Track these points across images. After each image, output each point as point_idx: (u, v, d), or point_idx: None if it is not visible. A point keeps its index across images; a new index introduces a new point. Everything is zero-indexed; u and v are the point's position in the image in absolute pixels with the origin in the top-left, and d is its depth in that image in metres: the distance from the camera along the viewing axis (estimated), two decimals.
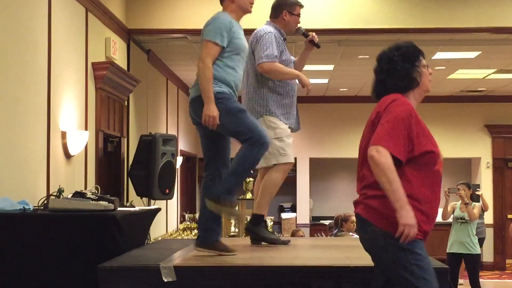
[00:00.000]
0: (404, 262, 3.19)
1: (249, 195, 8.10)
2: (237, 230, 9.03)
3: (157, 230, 9.93)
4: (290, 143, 5.13)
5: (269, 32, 5.14)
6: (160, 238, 8.90)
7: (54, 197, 4.91)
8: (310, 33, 5.41)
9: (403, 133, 3.25)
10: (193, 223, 11.87)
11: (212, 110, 4.19)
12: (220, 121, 4.23)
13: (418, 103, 3.51)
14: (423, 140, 3.30)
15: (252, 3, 4.56)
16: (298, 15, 5.34)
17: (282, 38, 5.23)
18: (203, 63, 4.26)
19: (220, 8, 4.56)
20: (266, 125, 5.00)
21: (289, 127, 5.22)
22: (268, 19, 5.33)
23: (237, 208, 4.30)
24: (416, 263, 3.19)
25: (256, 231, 5.10)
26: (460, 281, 10.53)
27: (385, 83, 3.45)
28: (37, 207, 4.92)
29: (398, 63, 3.42)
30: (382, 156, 3.17)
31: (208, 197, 4.28)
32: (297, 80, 5.27)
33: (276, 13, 5.31)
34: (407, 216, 3.12)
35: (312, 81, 14.81)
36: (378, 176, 3.18)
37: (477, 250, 9.33)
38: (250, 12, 4.58)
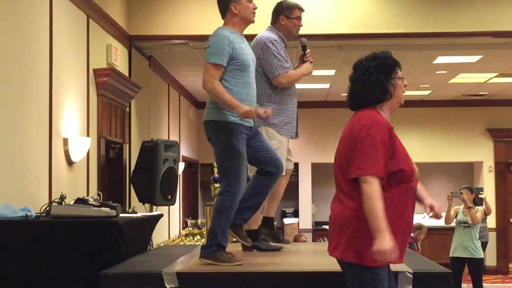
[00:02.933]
0: (363, 280, 3.23)
1: None
2: None
3: (160, 236, 9.93)
4: (284, 155, 5.10)
5: (274, 39, 5.12)
6: (162, 244, 8.89)
7: (56, 204, 4.91)
8: (308, 51, 5.34)
9: (382, 152, 3.25)
10: (195, 229, 11.87)
11: (244, 110, 4.23)
12: (215, 148, 4.38)
13: (394, 114, 3.48)
14: (397, 158, 3.29)
15: (254, 13, 4.52)
16: (297, 18, 5.25)
17: (283, 45, 5.20)
18: (211, 84, 4.27)
19: (218, 15, 4.53)
20: (264, 134, 5.00)
21: (287, 136, 5.20)
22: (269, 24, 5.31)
23: (227, 256, 4.28)
24: (373, 283, 3.22)
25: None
26: (463, 285, 10.50)
27: (358, 93, 3.43)
28: (39, 214, 4.92)
29: (373, 75, 3.38)
30: (369, 186, 3.19)
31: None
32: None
33: (274, 18, 5.27)
34: (380, 243, 3.11)
35: (313, 86, 14.80)
36: (364, 205, 3.19)
37: (480, 254, 9.32)
38: (253, 22, 4.54)
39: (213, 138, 4.40)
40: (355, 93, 3.45)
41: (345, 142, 3.38)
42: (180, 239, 11.03)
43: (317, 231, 15.39)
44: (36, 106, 5.83)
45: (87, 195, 6.61)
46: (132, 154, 8.63)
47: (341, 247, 3.28)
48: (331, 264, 3.92)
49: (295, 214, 16.14)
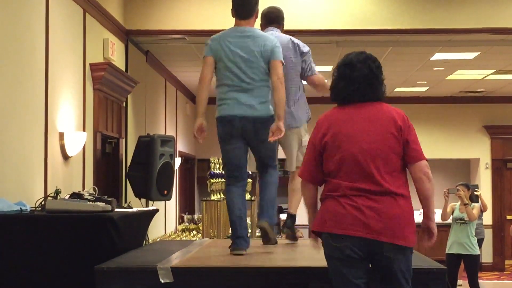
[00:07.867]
0: None
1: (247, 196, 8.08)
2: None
3: (156, 231, 9.92)
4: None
5: None
6: (158, 240, 8.88)
7: (51, 198, 4.90)
8: None
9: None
10: (192, 224, 11.85)
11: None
12: None
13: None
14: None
15: None
16: None
17: None
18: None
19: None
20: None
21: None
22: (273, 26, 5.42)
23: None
24: None
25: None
26: (459, 282, 10.51)
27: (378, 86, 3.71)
28: (34, 208, 4.91)
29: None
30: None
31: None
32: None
33: (282, 24, 5.53)
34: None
35: None
36: None
37: (476, 251, 9.32)
38: None
39: None
40: (373, 85, 3.67)
41: None
42: (176, 234, 11.02)
43: None
44: (32, 101, 5.81)
45: (83, 189, 6.60)
46: (128, 149, 8.62)
47: None
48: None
49: None
